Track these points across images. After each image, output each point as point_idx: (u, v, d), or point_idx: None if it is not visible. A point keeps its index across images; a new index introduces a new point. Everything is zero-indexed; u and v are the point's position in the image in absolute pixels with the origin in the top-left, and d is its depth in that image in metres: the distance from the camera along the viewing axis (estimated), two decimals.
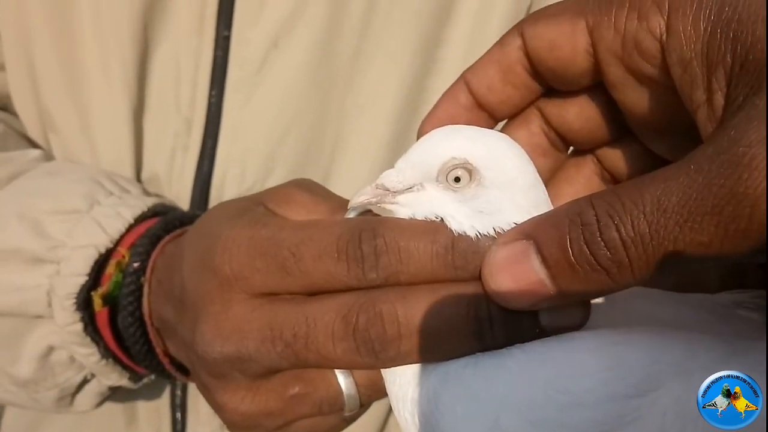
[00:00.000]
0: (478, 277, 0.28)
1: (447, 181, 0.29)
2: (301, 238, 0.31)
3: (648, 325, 0.27)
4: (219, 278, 0.33)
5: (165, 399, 0.59)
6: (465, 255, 0.28)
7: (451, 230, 0.29)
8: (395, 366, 0.30)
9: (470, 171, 0.29)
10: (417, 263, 0.29)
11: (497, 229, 0.29)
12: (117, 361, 0.47)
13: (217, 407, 0.36)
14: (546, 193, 0.31)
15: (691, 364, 0.24)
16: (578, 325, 0.27)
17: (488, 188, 0.29)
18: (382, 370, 0.32)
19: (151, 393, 0.59)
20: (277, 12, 0.53)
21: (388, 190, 0.31)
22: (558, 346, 0.26)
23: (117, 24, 0.53)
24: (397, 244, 0.29)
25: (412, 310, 0.28)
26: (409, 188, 0.30)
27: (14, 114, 0.60)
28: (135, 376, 0.49)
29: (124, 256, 0.44)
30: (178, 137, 0.56)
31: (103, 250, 0.45)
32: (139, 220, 0.47)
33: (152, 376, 0.50)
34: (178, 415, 0.58)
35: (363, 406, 0.37)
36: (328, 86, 0.57)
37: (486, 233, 0.29)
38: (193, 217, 0.46)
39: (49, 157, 0.57)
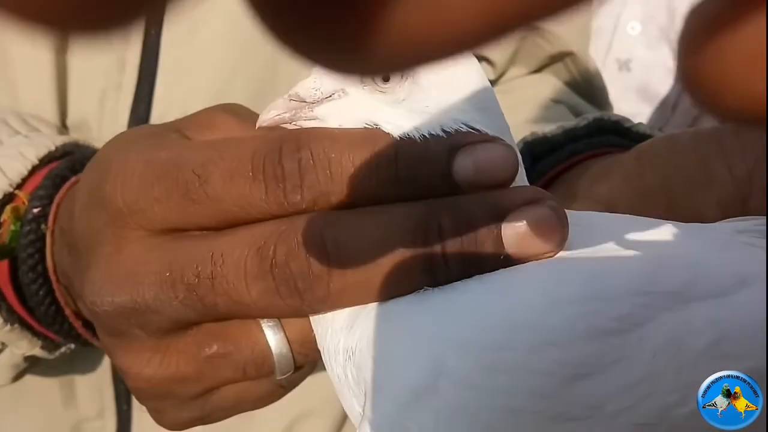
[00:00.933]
0: (428, 195, 0.22)
1: (374, 81, 0.24)
2: (208, 157, 0.25)
3: (637, 251, 0.22)
4: (109, 212, 0.26)
5: (106, 370, 0.52)
6: (412, 167, 0.22)
7: (393, 137, 0.23)
8: (327, 311, 0.24)
9: None
10: (352, 180, 0.23)
11: (447, 129, 0.23)
12: (25, 326, 0.40)
13: (122, 373, 0.29)
14: (494, 93, 0.25)
15: (689, 294, 0.19)
16: (553, 250, 0.21)
17: (424, 87, 0.24)
18: (311, 319, 0.25)
19: (89, 365, 0.52)
20: None
21: (304, 101, 0.25)
22: (523, 273, 0.21)
23: None
24: (326, 157, 0.23)
25: (342, 238, 0.22)
26: (329, 97, 0.25)
27: None
28: (49, 344, 0.42)
29: (24, 202, 0.37)
30: (110, 76, 0.49)
31: (0, 195, 0.38)
32: (46, 161, 0.40)
33: (71, 345, 0.44)
34: (123, 388, 0.52)
35: (299, 369, 0.30)
36: None
37: (434, 133, 0.23)
38: None
39: None
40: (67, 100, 0.50)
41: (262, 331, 0.29)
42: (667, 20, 0.81)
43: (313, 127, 0.25)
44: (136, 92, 0.49)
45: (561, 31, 0.58)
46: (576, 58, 0.60)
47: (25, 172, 0.39)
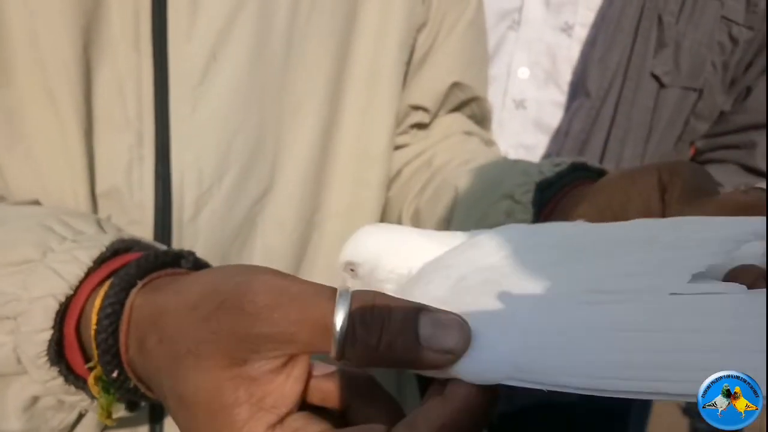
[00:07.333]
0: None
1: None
2: None
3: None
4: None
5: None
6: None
7: None
8: None
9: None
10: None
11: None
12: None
13: None
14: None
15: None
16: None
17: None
18: None
19: (131, 422, 0.54)
20: (210, 25, 0.55)
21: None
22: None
23: (57, 48, 0.51)
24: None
25: None
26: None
27: None
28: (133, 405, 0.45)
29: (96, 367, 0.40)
30: (133, 149, 0.55)
31: (62, 299, 0.40)
32: (99, 261, 0.43)
33: (142, 403, 0.47)
34: None
35: None
36: (266, 90, 0.60)
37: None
38: (148, 255, 0.43)
39: None
40: (95, 174, 0.55)
41: None
42: (549, 64, 0.97)
43: None
44: (156, 160, 0.55)
45: (472, 83, 0.76)
46: (480, 101, 0.78)
47: (82, 275, 0.41)
